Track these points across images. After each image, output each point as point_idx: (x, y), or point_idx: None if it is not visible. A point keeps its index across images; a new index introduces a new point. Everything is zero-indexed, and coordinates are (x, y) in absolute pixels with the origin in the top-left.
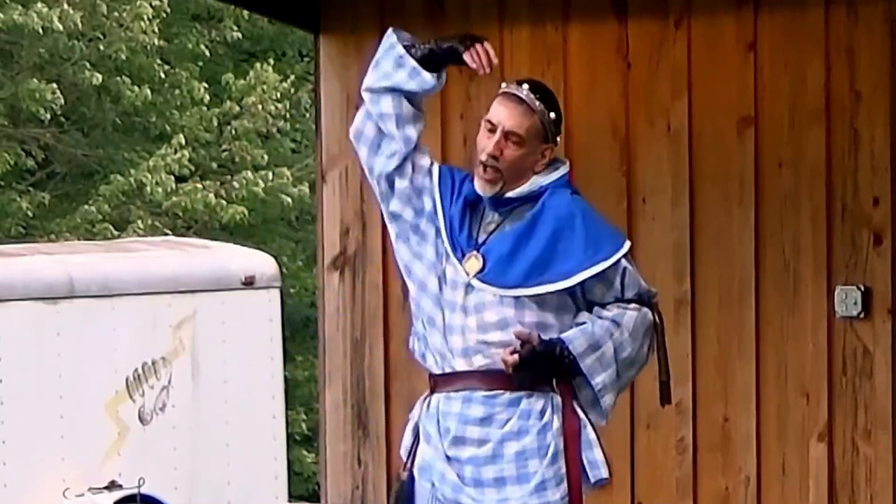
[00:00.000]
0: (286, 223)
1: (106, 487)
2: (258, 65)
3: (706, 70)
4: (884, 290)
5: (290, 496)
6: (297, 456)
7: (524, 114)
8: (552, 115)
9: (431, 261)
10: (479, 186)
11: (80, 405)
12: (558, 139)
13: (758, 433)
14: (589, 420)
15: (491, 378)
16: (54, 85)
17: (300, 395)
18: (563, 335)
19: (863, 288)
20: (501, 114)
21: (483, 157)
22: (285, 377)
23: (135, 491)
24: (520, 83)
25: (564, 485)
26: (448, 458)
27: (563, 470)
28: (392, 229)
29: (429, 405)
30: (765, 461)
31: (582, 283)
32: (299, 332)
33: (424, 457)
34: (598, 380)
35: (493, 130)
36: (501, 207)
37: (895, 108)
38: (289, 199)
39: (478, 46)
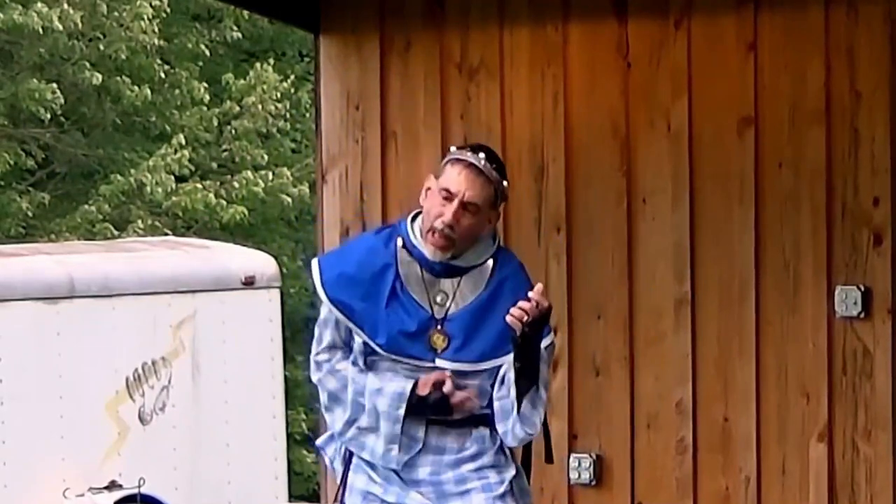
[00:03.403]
0: (286, 223)
1: (106, 487)
2: (258, 65)
3: (706, 70)
4: (884, 290)
5: (291, 496)
6: (297, 456)
7: (483, 185)
8: (504, 183)
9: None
10: (430, 252)
11: (80, 405)
12: (503, 206)
13: (758, 433)
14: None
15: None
16: (54, 85)
17: (300, 395)
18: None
19: (863, 288)
20: (461, 184)
21: (439, 225)
22: (285, 377)
23: (135, 491)
24: (474, 150)
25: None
26: (403, 480)
27: (520, 488)
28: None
29: None
30: (765, 461)
31: None
32: (299, 332)
33: (374, 479)
34: (543, 392)
35: (448, 198)
36: (451, 276)
37: (895, 108)
38: (289, 199)
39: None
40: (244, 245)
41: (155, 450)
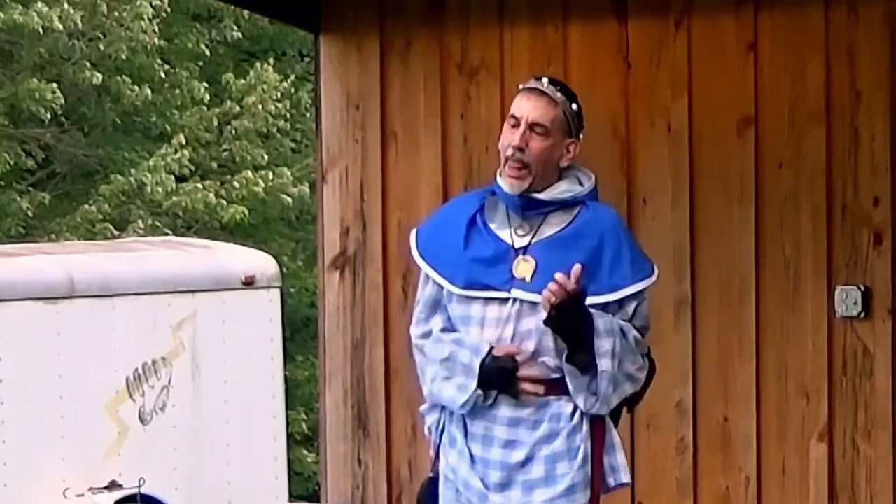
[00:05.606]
0: (286, 223)
1: (106, 487)
2: (258, 65)
3: (706, 70)
4: (884, 290)
5: (291, 496)
6: (297, 456)
7: (547, 105)
8: (574, 106)
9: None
10: (508, 185)
11: (80, 405)
12: (581, 134)
13: (758, 433)
14: (616, 423)
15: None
16: (54, 85)
17: (300, 395)
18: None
19: (863, 288)
20: (524, 107)
21: (508, 152)
22: (285, 377)
23: (135, 491)
24: (538, 78)
25: (590, 489)
26: (473, 460)
27: (591, 474)
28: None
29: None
30: (765, 461)
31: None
32: (299, 332)
33: (450, 461)
34: (604, 363)
35: (516, 125)
36: (533, 211)
37: (895, 108)
38: (289, 199)
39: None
40: (244, 245)
41: (155, 450)
